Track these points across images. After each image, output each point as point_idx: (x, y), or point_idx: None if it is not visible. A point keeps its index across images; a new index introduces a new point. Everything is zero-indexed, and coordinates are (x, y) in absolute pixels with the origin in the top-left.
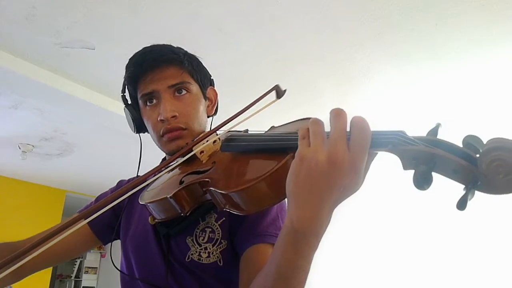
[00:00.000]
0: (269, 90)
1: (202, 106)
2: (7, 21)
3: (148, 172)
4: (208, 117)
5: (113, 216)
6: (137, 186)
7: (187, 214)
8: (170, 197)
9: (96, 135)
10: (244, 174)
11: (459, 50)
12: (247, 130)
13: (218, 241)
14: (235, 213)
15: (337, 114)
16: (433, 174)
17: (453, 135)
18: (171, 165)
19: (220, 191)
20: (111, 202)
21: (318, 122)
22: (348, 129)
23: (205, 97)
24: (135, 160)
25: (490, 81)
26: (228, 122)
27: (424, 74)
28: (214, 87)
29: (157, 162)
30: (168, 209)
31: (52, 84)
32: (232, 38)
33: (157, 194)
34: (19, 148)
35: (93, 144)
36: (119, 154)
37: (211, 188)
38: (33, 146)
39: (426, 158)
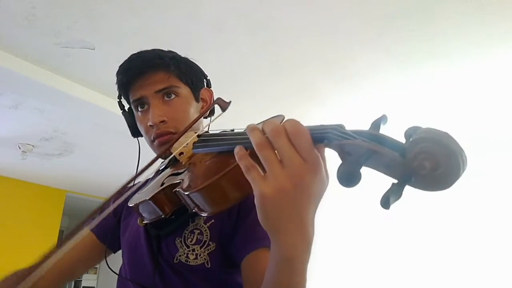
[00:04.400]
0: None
1: (193, 109)
2: (7, 21)
3: (131, 178)
4: (206, 118)
5: (117, 223)
6: (124, 193)
7: (168, 216)
8: (149, 199)
9: (96, 135)
10: (206, 174)
11: (459, 50)
12: (233, 129)
13: (206, 243)
14: (203, 215)
15: (277, 132)
16: (367, 170)
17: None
18: (160, 168)
19: (184, 192)
20: (108, 207)
21: (264, 144)
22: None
23: (198, 99)
24: (135, 160)
25: (490, 81)
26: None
27: (424, 74)
28: (210, 87)
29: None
30: (151, 211)
31: (52, 84)
32: (232, 38)
33: (141, 197)
34: (19, 148)
35: (93, 144)
36: (119, 154)
37: (177, 190)
38: (33, 146)
39: (360, 153)
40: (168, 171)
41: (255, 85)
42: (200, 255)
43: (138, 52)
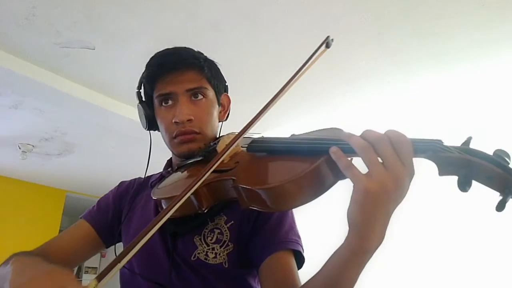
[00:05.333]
0: (321, 43)
1: (216, 112)
2: (7, 21)
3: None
4: (219, 122)
5: (116, 220)
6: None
7: (205, 211)
8: (192, 193)
9: (96, 135)
10: (274, 173)
11: (459, 50)
12: (262, 136)
13: (226, 243)
14: (259, 210)
15: (382, 139)
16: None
17: (453, 135)
18: (182, 169)
19: (248, 187)
20: (142, 239)
21: (369, 148)
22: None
23: (219, 103)
24: (135, 160)
25: (490, 81)
26: (288, 84)
27: (424, 74)
28: (227, 93)
29: (163, 161)
30: (185, 205)
31: (52, 84)
32: (232, 38)
33: (174, 190)
34: (19, 148)
35: (93, 144)
36: (119, 154)
37: (239, 185)
38: (33, 146)
39: (462, 165)
40: (196, 169)
41: (255, 85)
42: (219, 254)
43: (173, 48)
